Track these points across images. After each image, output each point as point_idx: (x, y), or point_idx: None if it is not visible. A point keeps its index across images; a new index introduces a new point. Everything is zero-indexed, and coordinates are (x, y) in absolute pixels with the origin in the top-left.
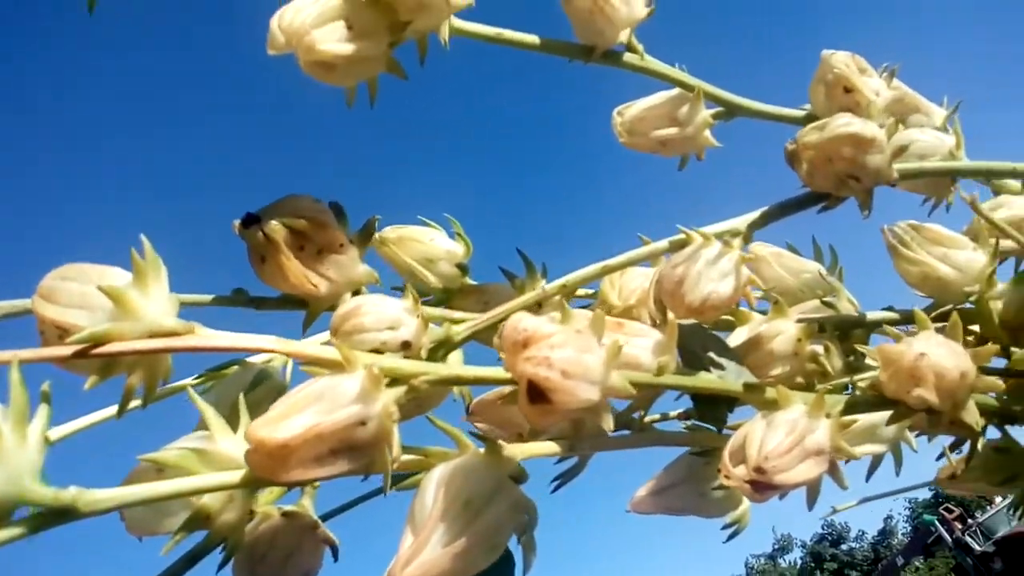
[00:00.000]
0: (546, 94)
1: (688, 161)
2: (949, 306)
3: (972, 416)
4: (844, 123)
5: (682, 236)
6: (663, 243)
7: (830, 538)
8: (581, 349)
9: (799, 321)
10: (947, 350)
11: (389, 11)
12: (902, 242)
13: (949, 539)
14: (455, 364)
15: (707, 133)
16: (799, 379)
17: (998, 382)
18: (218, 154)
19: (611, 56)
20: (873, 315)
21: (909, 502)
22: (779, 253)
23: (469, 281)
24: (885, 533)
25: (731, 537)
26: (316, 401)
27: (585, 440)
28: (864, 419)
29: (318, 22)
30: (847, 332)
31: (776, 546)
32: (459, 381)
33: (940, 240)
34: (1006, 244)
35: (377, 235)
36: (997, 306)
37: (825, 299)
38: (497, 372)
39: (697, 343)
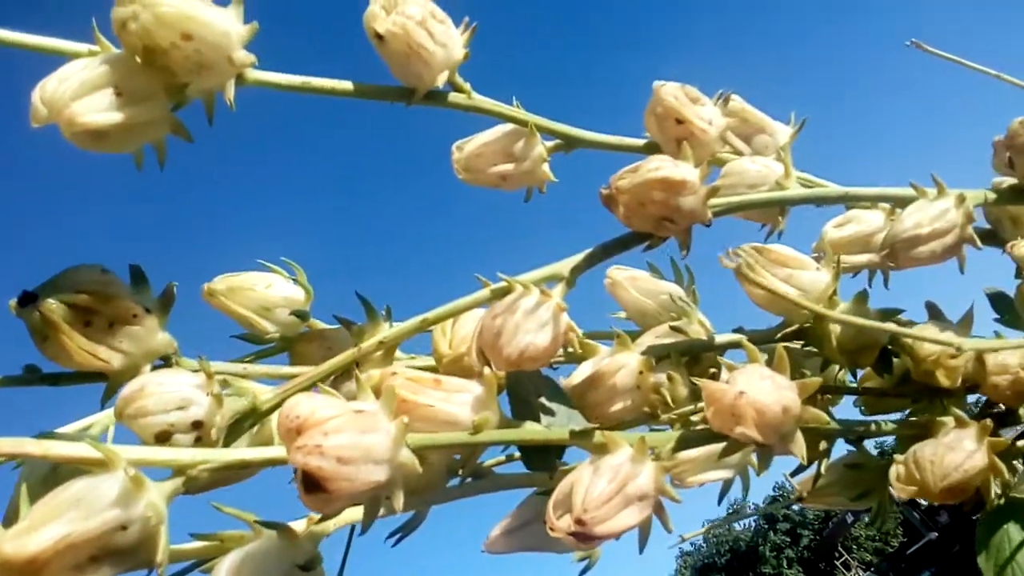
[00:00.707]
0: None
1: (532, 194)
2: (796, 326)
3: (799, 448)
4: (654, 167)
5: (504, 284)
6: (484, 292)
7: (782, 499)
8: (362, 430)
9: (643, 353)
10: (770, 385)
11: (166, 73)
12: (747, 265)
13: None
14: (255, 444)
15: (545, 167)
16: (646, 409)
17: (822, 415)
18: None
19: (436, 96)
20: (722, 338)
21: None
22: (634, 276)
23: (317, 324)
24: None
25: (583, 572)
26: (72, 507)
27: (421, 495)
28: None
29: (81, 91)
30: (698, 357)
31: (730, 511)
32: (244, 465)
33: (784, 261)
34: (858, 259)
35: (205, 287)
36: (836, 329)
37: (674, 324)
38: None
39: (528, 388)
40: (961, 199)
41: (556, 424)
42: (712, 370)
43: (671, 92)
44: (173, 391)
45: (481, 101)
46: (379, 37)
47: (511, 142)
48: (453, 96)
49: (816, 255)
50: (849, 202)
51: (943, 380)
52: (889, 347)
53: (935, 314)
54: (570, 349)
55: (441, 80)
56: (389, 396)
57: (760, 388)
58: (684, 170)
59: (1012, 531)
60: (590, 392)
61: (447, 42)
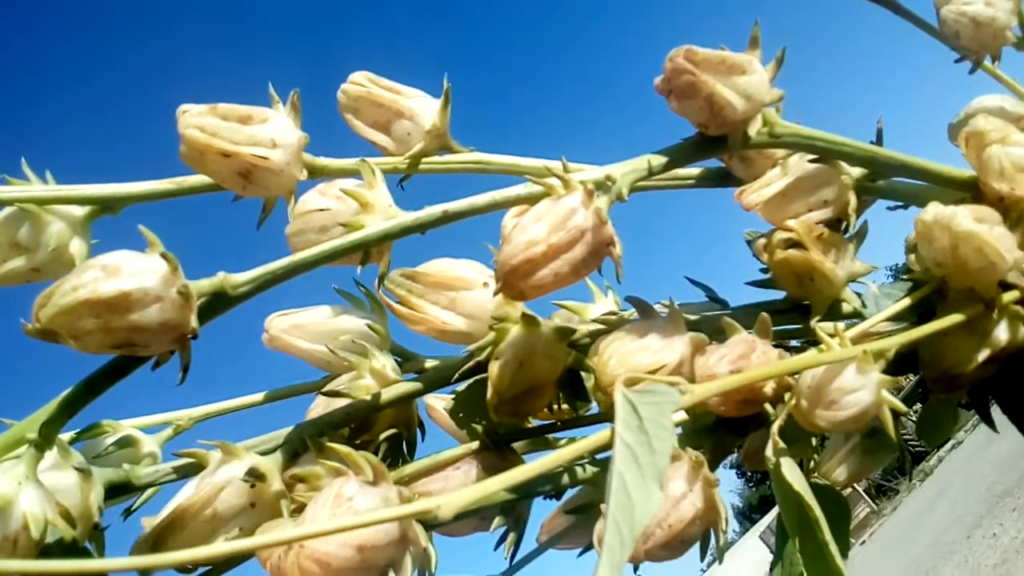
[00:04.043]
0: None
1: None
2: (475, 360)
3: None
4: (71, 287)
5: None
6: None
7: None
8: None
9: (266, 453)
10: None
11: None
12: (400, 300)
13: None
14: None
15: (75, 244)
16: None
17: (421, 540)
18: None
19: None
20: (391, 392)
21: (890, 270)
22: (299, 323)
23: None
24: None
25: None
26: None
27: None
28: None
29: None
30: (367, 422)
31: None
32: None
33: (447, 283)
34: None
35: None
36: (493, 370)
37: (327, 388)
38: None
39: None
40: (590, 193)
41: None
42: (386, 434)
43: (193, 123)
44: None
45: None
46: None
47: (14, 229)
48: None
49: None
50: (448, 221)
51: None
52: (580, 371)
53: (644, 311)
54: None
55: None
56: None
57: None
58: (128, 278)
59: None
60: (174, 537)
61: None
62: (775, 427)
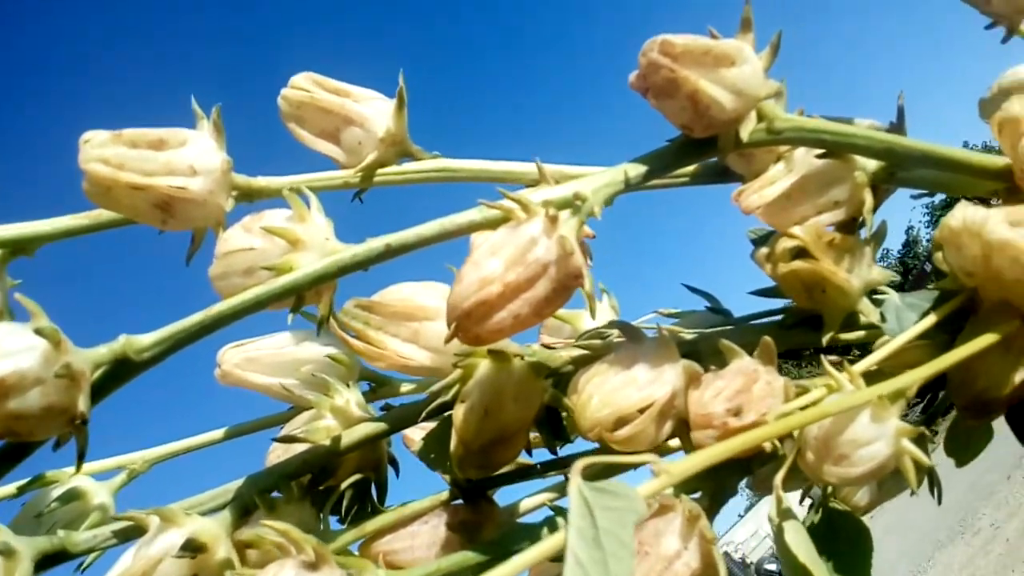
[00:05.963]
0: None
1: None
2: (444, 397)
3: None
4: None
5: None
6: None
7: None
8: None
9: (216, 510)
10: None
11: None
12: (357, 333)
13: None
14: None
15: None
16: None
17: None
18: None
19: None
20: (352, 435)
21: (927, 207)
22: (253, 358)
23: None
24: (909, 244)
25: None
26: None
27: None
28: None
29: None
30: (330, 467)
31: None
32: None
33: (406, 313)
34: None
35: None
36: (458, 417)
37: (281, 435)
38: None
39: None
40: (553, 219)
41: None
42: (350, 480)
43: (95, 155)
44: None
45: None
46: None
47: None
48: None
49: None
50: (393, 256)
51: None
52: (558, 409)
53: (631, 335)
54: None
55: None
56: None
57: None
58: (1, 360)
59: None
60: None
61: None
62: (779, 478)
